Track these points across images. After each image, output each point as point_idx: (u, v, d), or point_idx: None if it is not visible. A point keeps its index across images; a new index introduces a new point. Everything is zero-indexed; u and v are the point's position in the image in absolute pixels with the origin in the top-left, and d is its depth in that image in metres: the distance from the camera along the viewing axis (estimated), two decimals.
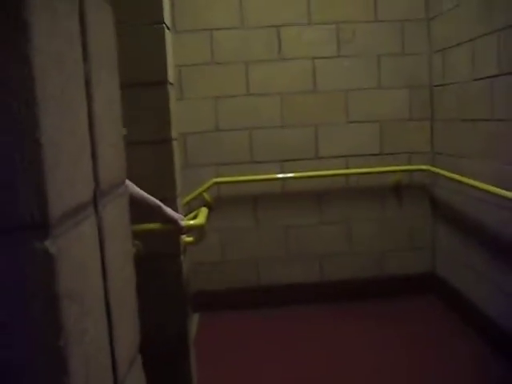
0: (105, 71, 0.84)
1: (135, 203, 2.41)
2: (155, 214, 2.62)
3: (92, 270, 0.72)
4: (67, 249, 0.62)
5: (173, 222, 2.65)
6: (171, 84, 3.00)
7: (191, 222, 2.84)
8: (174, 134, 3.06)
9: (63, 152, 0.62)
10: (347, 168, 4.70)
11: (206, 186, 4.54)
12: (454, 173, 4.19)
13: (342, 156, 4.69)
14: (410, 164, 4.74)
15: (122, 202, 0.91)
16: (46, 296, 0.58)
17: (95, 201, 0.74)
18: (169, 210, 2.65)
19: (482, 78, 3.74)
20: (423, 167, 4.68)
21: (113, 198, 0.84)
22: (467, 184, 3.90)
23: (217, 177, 4.61)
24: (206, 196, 4.57)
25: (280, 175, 4.65)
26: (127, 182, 1.23)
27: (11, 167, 0.56)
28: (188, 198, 4.34)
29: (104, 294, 0.77)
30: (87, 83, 0.73)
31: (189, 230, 2.82)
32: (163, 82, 2.86)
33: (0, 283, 0.58)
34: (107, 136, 0.82)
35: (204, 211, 3.12)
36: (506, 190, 3.35)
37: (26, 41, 0.55)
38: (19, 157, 0.56)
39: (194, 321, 4.21)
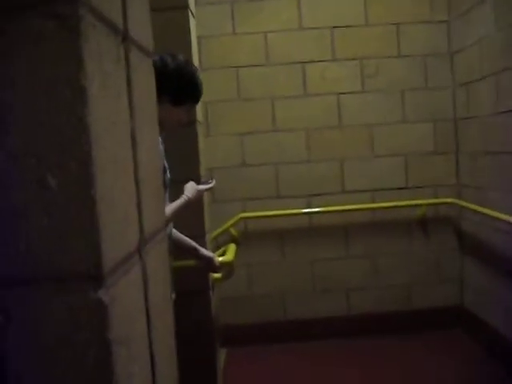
0: (147, 124, 0.89)
1: (175, 245, 2.53)
2: (191, 254, 2.72)
3: (138, 315, 0.76)
4: (118, 297, 0.66)
5: (208, 261, 2.75)
6: (200, 123, 3.08)
7: (220, 259, 2.88)
8: (202, 170, 3.12)
9: (115, 207, 0.66)
10: (373, 202, 4.72)
11: (232, 221, 4.58)
12: (480, 205, 4.18)
13: (368, 190, 4.71)
14: (435, 197, 4.74)
15: (162, 247, 0.95)
16: (99, 343, 0.62)
17: (139, 249, 0.79)
18: (204, 251, 2.76)
19: (506, 111, 3.76)
20: (449, 200, 4.68)
21: (154, 245, 0.88)
22: (493, 217, 3.89)
23: (243, 212, 4.65)
24: (233, 231, 4.60)
25: (306, 210, 4.68)
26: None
27: (69, 222, 0.61)
28: (215, 233, 4.39)
29: (148, 337, 0.81)
30: (133, 140, 0.78)
31: (219, 266, 2.87)
32: (193, 122, 2.93)
33: (56, 330, 0.62)
34: (149, 187, 0.86)
35: (232, 248, 3.16)
36: None
37: (82, 106, 0.60)
38: (76, 213, 0.61)
39: (222, 355, 4.22)
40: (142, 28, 0.88)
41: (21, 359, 0.63)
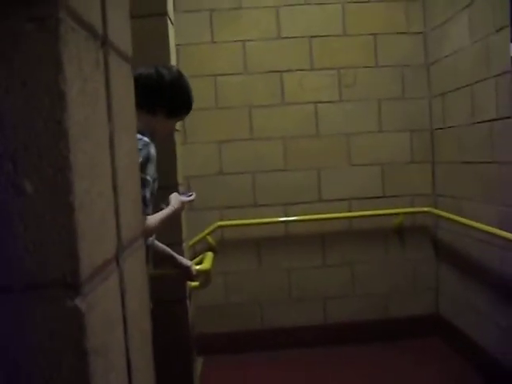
0: (125, 130, 0.88)
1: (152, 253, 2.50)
2: (168, 262, 2.70)
3: (115, 324, 0.75)
4: (95, 305, 0.65)
5: (185, 269, 2.73)
6: (177, 130, 3.06)
7: (197, 267, 2.86)
8: (179, 178, 3.10)
9: (92, 213, 0.65)
10: (350, 211, 4.73)
11: (210, 229, 4.56)
12: (456, 215, 4.21)
13: (345, 199, 4.72)
14: (412, 206, 4.77)
15: (140, 254, 0.94)
16: (74, 352, 0.61)
17: (117, 256, 0.77)
18: (181, 259, 2.74)
19: (481, 122, 3.80)
20: (425, 209, 4.71)
21: (132, 252, 0.87)
22: (469, 226, 3.92)
23: (220, 220, 4.64)
24: (210, 239, 4.58)
25: (283, 218, 4.67)
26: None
27: (45, 228, 0.59)
28: (192, 242, 4.36)
29: (125, 346, 0.79)
30: (111, 144, 0.77)
31: (196, 275, 2.85)
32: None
33: (31, 338, 0.61)
34: (128, 193, 0.85)
35: (210, 256, 3.15)
36: (508, 231, 3.38)
37: (61, 110, 0.59)
38: (53, 219, 0.59)
39: (198, 364, 4.19)
40: (121, 33, 0.87)
41: None
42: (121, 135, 0.83)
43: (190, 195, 2.63)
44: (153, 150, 2.25)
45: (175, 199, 2.49)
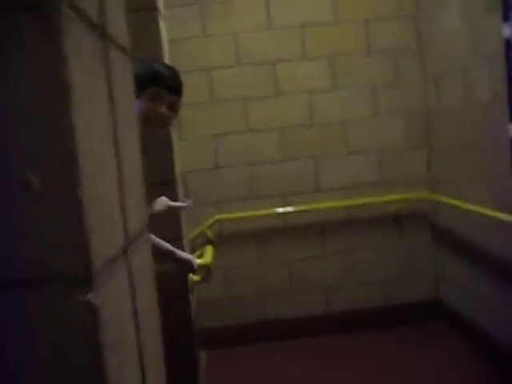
0: (127, 122, 0.87)
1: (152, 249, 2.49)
2: (169, 258, 2.69)
3: (127, 318, 0.74)
4: (107, 299, 0.64)
5: (187, 263, 2.73)
6: (173, 125, 3.05)
7: (199, 262, 2.86)
8: (176, 174, 3.09)
9: (100, 208, 0.65)
10: (348, 199, 4.73)
11: (208, 223, 4.56)
12: (454, 199, 4.21)
13: (343, 187, 4.72)
14: (410, 192, 4.77)
15: (146, 248, 0.93)
16: (90, 347, 0.60)
17: (125, 249, 0.77)
18: (182, 254, 2.73)
19: (474, 104, 3.80)
20: (423, 195, 4.71)
21: (138, 246, 0.86)
22: (466, 209, 3.93)
23: (218, 214, 4.63)
24: (209, 233, 4.58)
25: (280, 209, 4.67)
26: None
27: (54, 223, 0.59)
28: (191, 236, 4.36)
29: (137, 340, 0.79)
30: (114, 138, 0.76)
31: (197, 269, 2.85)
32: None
33: (45, 335, 0.60)
34: (132, 186, 0.84)
35: (210, 250, 3.14)
36: (507, 213, 3.38)
37: (66, 102, 0.58)
38: (62, 213, 0.59)
39: (202, 359, 4.19)
40: (118, 25, 0.86)
41: (8, 367, 0.61)
42: (123, 129, 0.82)
43: (184, 201, 2.66)
44: None
45: (160, 204, 2.52)
